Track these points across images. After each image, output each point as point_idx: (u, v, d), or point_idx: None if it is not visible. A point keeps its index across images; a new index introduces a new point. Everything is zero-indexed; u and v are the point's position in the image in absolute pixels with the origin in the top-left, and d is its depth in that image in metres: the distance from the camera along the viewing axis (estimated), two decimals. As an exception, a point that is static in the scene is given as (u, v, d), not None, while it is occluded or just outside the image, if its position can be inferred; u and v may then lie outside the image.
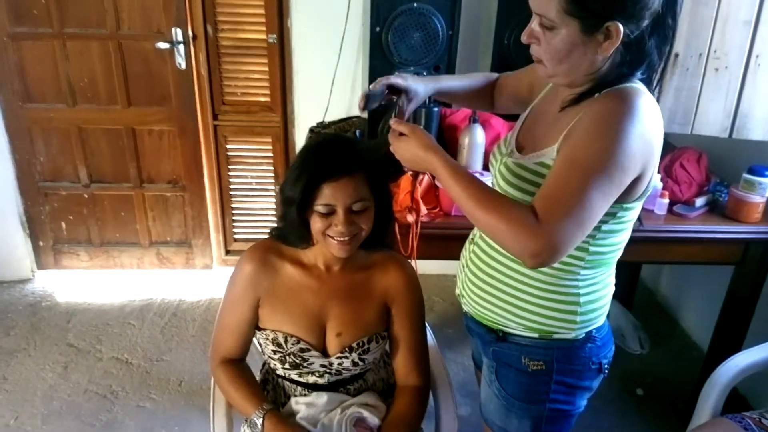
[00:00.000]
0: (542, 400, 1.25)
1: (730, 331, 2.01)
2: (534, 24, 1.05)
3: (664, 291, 2.98)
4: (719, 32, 1.76)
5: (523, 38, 1.09)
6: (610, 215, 1.09)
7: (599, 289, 1.21)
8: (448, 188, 1.08)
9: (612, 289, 1.26)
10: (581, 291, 1.18)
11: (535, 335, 1.22)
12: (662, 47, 1.05)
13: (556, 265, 1.12)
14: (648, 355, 2.59)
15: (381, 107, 1.41)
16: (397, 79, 1.27)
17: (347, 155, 1.22)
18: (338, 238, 1.24)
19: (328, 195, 1.20)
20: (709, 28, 1.76)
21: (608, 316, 1.28)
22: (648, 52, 1.04)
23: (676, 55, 1.81)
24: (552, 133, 1.10)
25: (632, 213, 1.13)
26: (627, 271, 2.77)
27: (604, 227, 1.11)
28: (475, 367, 1.57)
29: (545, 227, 0.96)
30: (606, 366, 1.28)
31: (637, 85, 1.06)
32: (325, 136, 1.33)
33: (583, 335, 1.22)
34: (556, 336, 1.21)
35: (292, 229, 1.29)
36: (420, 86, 1.30)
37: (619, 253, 1.20)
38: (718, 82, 1.81)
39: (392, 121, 1.17)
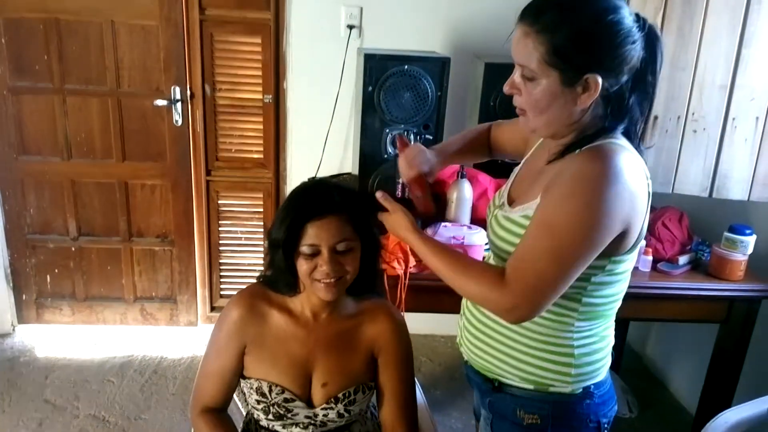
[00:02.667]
0: None
1: (718, 391, 2.00)
2: (516, 75, 1.08)
3: (651, 354, 2.97)
4: (696, 96, 1.85)
5: (505, 89, 1.12)
6: (598, 268, 1.10)
7: (595, 342, 1.19)
8: (427, 262, 1.18)
9: (610, 342, 1.23)
10: (575, 343, 1.17)
11: (531, 387, 1.20)
12: (643, 103, 1.09)
13: (549, 316, 1.14)
14: (637, 419, 2.55)
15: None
16: (424, 167, 1.35)
17: (331, 196, 1.24)
18: (324, 280, 1.23)
19: (312, 235, 1.21)
20: (687, 92, 1.86)
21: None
22: (629, 108, 1.07)
23: (656, 118, 1.89)
24: (536, 187, 1.13)
25: (624, 265, 1.13)
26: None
27: (595, 279, 1.11)
28: (474, 419, 1.52)
29: (513, 285, 1.03)
30: (606, 425, 1.24)
31: (619, 141, 1.07)
32: (312, 180, 1.36)
33: (581, 390, 1.19)
34: (552, 389, 1.19)
35: (280, 275, 1.29)
36: (435, 166, 1.39)
37: (615, 305, 1.19)
38: (696, 143, 1.89)
39: (378, 195, 1.26)
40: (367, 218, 1.29)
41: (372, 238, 1.30)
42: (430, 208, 1.39)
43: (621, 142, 1.08)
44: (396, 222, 1.23)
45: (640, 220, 1.07)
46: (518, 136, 1.38)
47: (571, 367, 1.17)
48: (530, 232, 1.06)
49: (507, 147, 1.45)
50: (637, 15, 1.05)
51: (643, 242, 1.89)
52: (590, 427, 1.21)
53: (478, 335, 1.26)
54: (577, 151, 1.07)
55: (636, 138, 1.12)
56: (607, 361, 1.24)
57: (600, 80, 1.01)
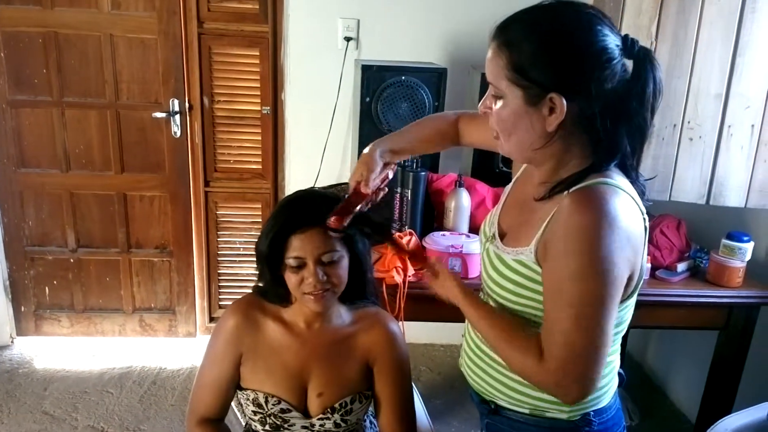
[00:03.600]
0: None
1: (718, 397, 2.00)
2: (488, 94, 1.04)
3: (651, 362, 2.96)
4: (692, 104, 1.86)
5: (480, 109, 1.07)
6: None
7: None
8: (474, 325, 1.16)
9: (615, 367, 1.17)
10: None
11: (526, 411, 1.15)
12: (634, 135, 0.99)
13: None
14: (638, 427, 2.54)
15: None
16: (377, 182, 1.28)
17: (315, 207, 1.22)
18: (312, 292, 1.23)
19: (297, 247, 1.21)
20: (682, 100, 1.86)
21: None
22: (617, 141, 0.98)
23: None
24: (528, 229, 1.07)
25: (628, 302, 1.08)
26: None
27: None
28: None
29: (550, 363, 0.97)
30: None
31: (610, 179, 0.99)
32: (295, 193, 1.35)
33: (579, 417, 1.12)
34: (548, 415, 1.13)
35: (270, 287, 1.30)
36: (379, 162, 1.29)
37: (620, 336, 1.12)
38: (693, 151, 1.90)
39: (432, 261, 1.26)
40: (353, 227, 1.26)
41: (359, 246, 1.29)
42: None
43: (613, 180, 0.99)
44: (445, 288, 1.20)
45: (641, 258, 1.01)
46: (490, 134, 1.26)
47: None
48: (547, 305, 1.01)
49: (481, 143, 1.36)
50: (625, 36, 0.98)
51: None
52: None
53: (474, 359, 1.23)
54: (566, 192, 1.00)
55: (633, 171, 1.03)
56: (611, 387, 1.17)
57: (564, 101, 0.95)
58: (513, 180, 1.25)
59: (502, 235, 1.15)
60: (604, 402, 1.15)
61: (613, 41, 0.96)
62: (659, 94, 0.98)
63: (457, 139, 1.40)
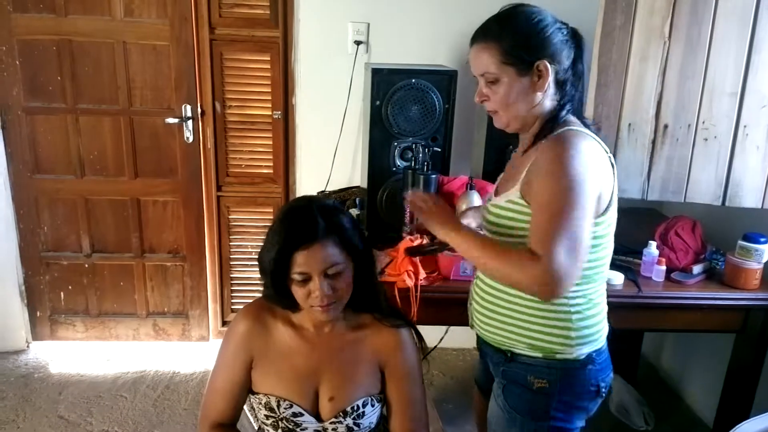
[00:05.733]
0: (544, 417, 1.37)
1: (735, 402, 1.96)
2: (480, 85, 1.33)
3: (667, 365, 2.92)
4: (706, 104, 1.83)
5: (476, 99, 1.35)
6: None
7: (589, 307, 1.35)
8: (460, 249, 1.32)
9: (604, 308, 1.40)
10: (572, 309, 1.32)
11: (539, 355, 1.35)
12: (577, 84, 1.33)
13: None
14: (653, 431, 2.51)
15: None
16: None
17: (316, 223, 1.22)
18: (319, 305, 1.24)
19: (301, 263, 1.22)
20: (697, 100, 1.84)
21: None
22: (570, 88, 1.31)
23: (665, 126, 1.88)
24: (516, 175, 1.33)
25: (603, 228, 1.30)
26: (628, 344, 2.73)
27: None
28: (476, 389, 1.72)
29: (543, 258, 1.16)
30: (604, 390, 1.40)
31: (576, 127, 1.29)
32: (294, 202, 1.34)
33: (584, 356, 1.35)
34: (558, 356, 1.34)
35: (276, 298, 1.31)
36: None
37: (601, 270, 1.35)
38: (708, 151, 1.87)
39: (409, 195, 1.45)
40: (356, 236, 1.28)
41: (363, 253, 1.30)
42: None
43: (578, 128, 1.28)
44: (437, 218, 1.36)
45: (609, 185, 1.28)
46: None
47: (570, 331, 1.33)
48: (533, 220, 1.24)
49: None
50: (557, 20, 1.31)
51: (654, 253, 1.89)
52: (591, 391, 1.37)
53: (488, 314, 1.41)
54: (544, 140, 1.27)
55: (583, 118, 1.35)
56: (604, 329, 1.40)
57: (548, 64, 1.26)
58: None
59: (497, 195, 1.40)
60: (600, 344, 1.39)
61: (553, 20, 1.30)
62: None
63: None
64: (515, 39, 1.27)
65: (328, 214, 1.25)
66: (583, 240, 1.19)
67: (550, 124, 1.30)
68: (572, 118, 1.32)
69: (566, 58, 1.29)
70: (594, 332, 1.36)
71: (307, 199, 1.33)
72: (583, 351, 1.35)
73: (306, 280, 1.23)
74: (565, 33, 1.30)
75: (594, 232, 1.27)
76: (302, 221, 1.23)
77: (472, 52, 1.32)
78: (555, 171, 1.21)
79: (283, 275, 1.24)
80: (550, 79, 1.28)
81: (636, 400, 2.59)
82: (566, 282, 1.16)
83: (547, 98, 1.31)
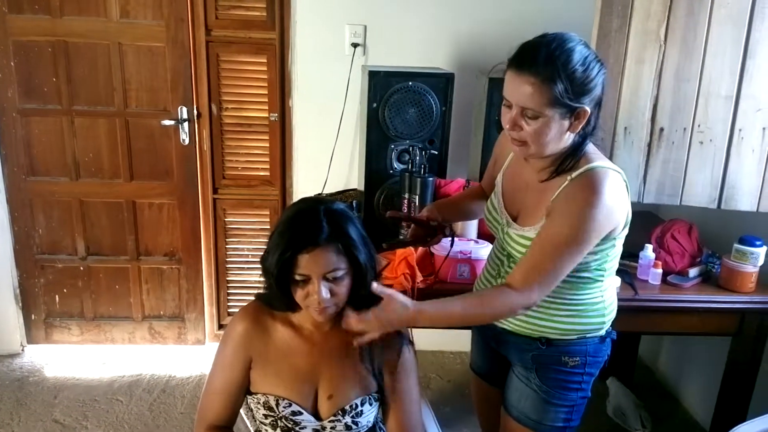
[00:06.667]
0: (576, 389, 1.49)
1: (732, 404, 1.97)
2: (514, 113, 1.29)
3: (663, 368, 2.93)
4: (702, 107, 1.84)
5: (507, 126, 1.32)
6: (609, 246, 1.38)
7: (611, 292, 1.50)
8: (440, 325, 1.48)
9: (615, 299, 1.53)
10: (604, 295, 1.46)
11: (574, 337, 1.46)
12: (599, 115, 1.35)
13: (586, 284, 1.42)
14: (651, 434, 2.51)
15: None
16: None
17: (321, 228, 1.22)
18: (317, 308, 1.25)
19: (303, 266, 1.22)
20: (692, 104, 1.85)
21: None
22: (592, 122, 1.33)
23: (661, 129, 1.89)
24: (541, 206, 1.37)
25: (621, 240, 1.41)
26: (625, 347, 2.73)
27: (609, 252, 1.40)
28: (474, 375, 1.78)
29: (525, 292, 1.30)
30: (607, 359, 1.56)
31: (600, 163, 1.32)
32: (302, 204, 1.34)
33: (605, 333, 1.49)
34: (589, 336, 1.47)
35: (276, 298, 1.31)
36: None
37: (617, 265, 1.47)
38: (703, 154, 1.88)
39: (375, 287, 1.27)
40: (360, 248, 1.27)
41: (365, 259, 1.29)
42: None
43: (601, 162, 1.33)
44: (393, 314, 1.26)
45: (623, 216, 1.36)
46: (492, 172, 1.62)
47: (603, 317, 1.47)
48: (538, 248, 1.32)
49: (491, 184, 1.63)
50: (595, 54, 1.30)
51: (651, 256, 1.90)
52: (603, 361, 1.53)
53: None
54: (575, 174, 1.32)
55: (600, 145, 1.41)
56: (614, 315, 1.53)
57: (588, 109, 1.28)
58: (501, 172, 1.53)
59: (515, 218, 1.45)
60: (610, 324, 1.53)
61: (596, 56, 1.30)
62: None
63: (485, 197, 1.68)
64: (569, 85, 1.23)
65: (335, 220, 1.24)
66: (563, 274, 1.32)
67: (572, 156, 1.33)
68: (590, 148, 1.36)
69: (598, 98, 1.31)
70: (613, 309, 1.51)
71: (315, 201, 1.32)
72: (605, 329, 1.50)
73: (306, 281, 1.24)
74: (605, 72, 1.30)
75: (615, 244, 1.39)
76: (308, 225, 1.23)
77: (515, 79, 1.26)
78: (573, 213, 1.29)
79: (285, 276, 1.24)
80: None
81: (633, 402, 2.59)
82: (535, 300, 1.32)
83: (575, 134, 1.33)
